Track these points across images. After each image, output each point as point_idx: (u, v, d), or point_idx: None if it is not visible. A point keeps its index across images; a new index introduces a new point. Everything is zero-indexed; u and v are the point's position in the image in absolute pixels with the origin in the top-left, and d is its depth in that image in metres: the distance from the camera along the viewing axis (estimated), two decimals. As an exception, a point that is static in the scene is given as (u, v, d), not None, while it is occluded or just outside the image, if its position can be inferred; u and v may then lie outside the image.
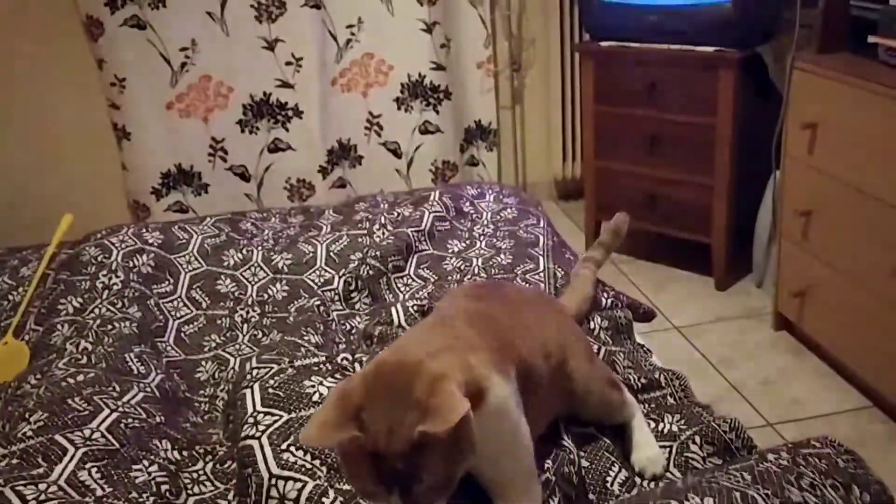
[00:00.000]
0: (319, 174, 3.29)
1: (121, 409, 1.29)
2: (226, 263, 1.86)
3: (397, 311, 1.56)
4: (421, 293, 1.71)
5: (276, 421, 1.18)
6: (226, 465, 1.25)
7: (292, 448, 1.13)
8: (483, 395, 0.94)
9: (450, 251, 1.91)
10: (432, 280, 1.80)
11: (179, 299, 1.75)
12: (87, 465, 1.13)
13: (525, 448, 1.04)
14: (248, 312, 1.75)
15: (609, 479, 1.20)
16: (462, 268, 1.82)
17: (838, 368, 2.40)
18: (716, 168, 2.76)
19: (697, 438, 1.27)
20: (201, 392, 1.52)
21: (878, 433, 2.15)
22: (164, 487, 1.14)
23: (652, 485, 1.21)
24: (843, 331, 2.29)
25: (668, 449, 1.27)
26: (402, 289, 1.79)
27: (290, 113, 3.22)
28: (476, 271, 1.80)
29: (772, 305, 2.64)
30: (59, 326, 1.58)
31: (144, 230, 1.88)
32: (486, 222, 2.04)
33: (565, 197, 3.81)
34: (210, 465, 1.26)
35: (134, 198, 3.22)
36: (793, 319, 2.53)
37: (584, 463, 1.21)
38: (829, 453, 1.14)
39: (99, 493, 1.09)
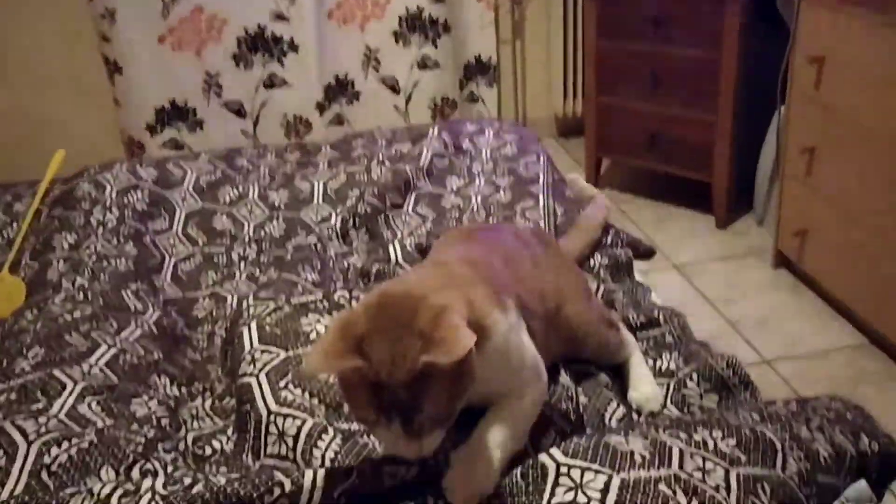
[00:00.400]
0: (316, 111, 3.24)
1: (119, 345, 1.28)
2: (221, 200, 1.84)
3: (395, 249, 1.55)
4: (419, 230, 1.69)
5: (273, 358, 1.18)
6: (224, 402, 1.25)
7: (290, 386, 1.13)
8: (486, 333, 0.94)
9: (448, 188, 1.89)
10: (431, 217, 1.78)
11: (175, 236, 1.74)
12: (87, 399, 1.14)
13: (530, 364, 1.04)
14: (244, 250, 1.73)
15: (607, 415, 1.20)
16: (461, 205, 1.81)
17: (836, 306, 2.40)
18: (719, 104, 2.71)
19: (695, 375, 1.27)
20: (199, 329, 1.51)
21: (875, 371, 2.17)
22: (164, 421, 1.15)
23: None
24: (842, 269, 2.29)
25: (665, 386, 1.27)
26: (400, 226, 1.77)
27: (285, 47, 3.14)
28: (475, 209, 1.78)
29: (772, 244, 2.63)
30: (54, 263, 1.57)
31: (138, 166, 1.85)
32: (485, 159, 2.01)
33: (566, 134, 3.76)
34: (209, 401, 1.26)
35: (129, 134, 3.17)
36: (792, 258, 2.52)
37: (583, 399, 1.21)
38: (839, 407, 1.14)
39: (100, 424, 1.09)
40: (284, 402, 1.10)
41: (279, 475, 0.93)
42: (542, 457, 0.93)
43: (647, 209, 3.06)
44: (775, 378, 2.15)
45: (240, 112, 3.22)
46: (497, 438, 0.97)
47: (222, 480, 0.92)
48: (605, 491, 0.86)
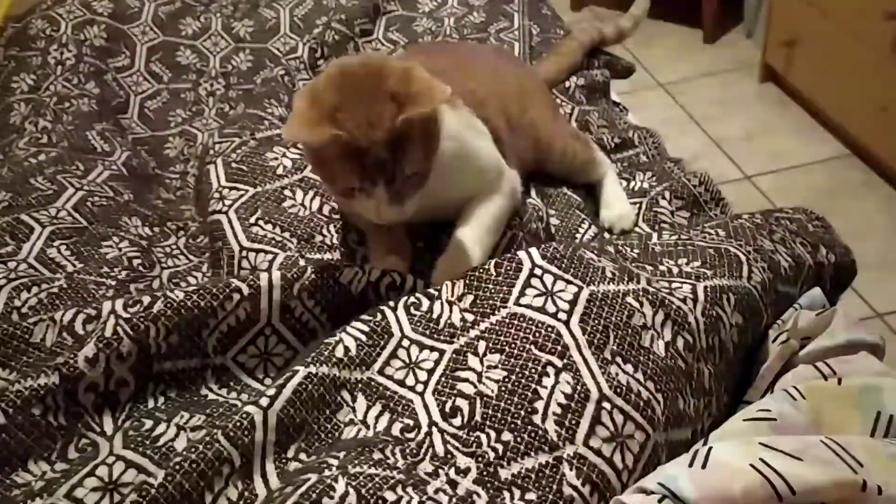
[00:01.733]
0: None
1: (86, 187, 1.27)
2: (183, 33, 1.76)
3: (364, 78, 1.50)
4: (390, 57, 1.64)
5: (241, 196, 1.17)
6: (198, 240, 1.26)
7: (261, 222, 1.13)
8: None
9: (420, 11, 1.81)
10: (402, 43, 1.71)
11: (138, 73, 1.68)
12: (56, 243, 1.14)
13: (487, 159, 1.06)
14: (212, 85, 1.69)
15: (579, 236, 1.22)
16: (433, 29, 1.74)
17: (821, 119, 2.38)
18: None
19: (667, 194, 1.27)
20: (171, 168, 1.50)
21: (854, 181, 2.18)
22: (136, 262, 1.16)
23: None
24: (829, 79, 2.24)
25: (637, 205, 1.28)
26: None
27: None
28: (448, 32, 1.71)
29: (759, 57, 2.56)
30: (15, 105, 1.52)
31: (91, -1, 1.76)
32: (458, -23, 1.91)
33: (550, -54, 3.55)
34: (183, 239, 1.27)
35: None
36: (779, 70, 2.46)
37: (555, 221, 1.22)
38: (801, 218, 1.16)
39: (70, 269, 1.10)
40: (255, 237, 1.11)
41: (235, 281, 0.95)
42: (521, 253, 0.95)
43: (633, 25, 2.95)
44: (755, 193, 2.16)
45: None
46: (470, 235, 1.02)
47: (181, 295, 0.94)
48: (573, 303, 0.89)
